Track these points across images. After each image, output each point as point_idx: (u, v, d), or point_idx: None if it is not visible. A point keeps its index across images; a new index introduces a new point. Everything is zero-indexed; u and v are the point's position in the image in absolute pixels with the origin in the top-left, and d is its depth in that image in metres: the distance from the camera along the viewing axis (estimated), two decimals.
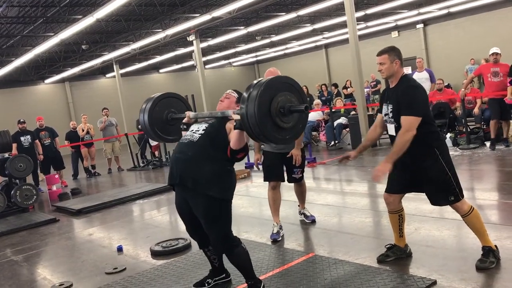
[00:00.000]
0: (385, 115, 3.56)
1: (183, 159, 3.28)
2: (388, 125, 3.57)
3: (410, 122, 3.28)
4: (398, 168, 3.43)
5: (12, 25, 12.49)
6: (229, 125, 3.30)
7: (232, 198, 3.34)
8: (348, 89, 16.84)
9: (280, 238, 4.81)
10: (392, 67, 3.47)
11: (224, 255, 3.53)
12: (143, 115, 3.97)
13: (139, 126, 13.06)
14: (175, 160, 3.34)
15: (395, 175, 3.53)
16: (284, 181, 4.98)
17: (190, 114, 3.72)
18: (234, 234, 3.40)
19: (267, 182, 4.92)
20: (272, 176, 4.87)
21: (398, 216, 3.76)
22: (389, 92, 3.56)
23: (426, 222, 4.65)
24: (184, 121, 3.71)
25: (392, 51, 3.53)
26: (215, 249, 3.39)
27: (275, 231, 4.86)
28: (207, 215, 3.25)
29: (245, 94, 2.94)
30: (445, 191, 3.38)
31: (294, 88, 3.07)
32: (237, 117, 3.06)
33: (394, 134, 3.45)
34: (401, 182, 3.55)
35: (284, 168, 4.95)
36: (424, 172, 3.38)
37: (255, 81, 3.00)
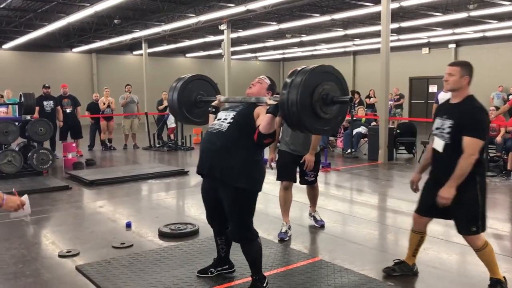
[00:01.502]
0: (437, 128, 3.44)
1: (212, 150, 3.27)
2: (436, 139, 3.44)
3: (476, 145, 3.20)
4: (432, 189, 3.39)
5: None
6: (257, 110, 3.26)
7: (261, 189, 3.33)
8: (371, 99, 16.77)
9: (287, 238, 4.84)
10: (460, 81, 3.38)
11: (234, 247, 3.55)
12: (173, 93, 3.95)
13: (159, 107, 13.17)
14: (204, 150, 3.35)
15: (428, 196, 3.47)
16: (296, 181, 4.99)
17: (221, 97, 3.66)
18: None
19: (279, 182, 4.95)
20: (285, 176, 4.89)
21: (419, 237, 3.72)
22: (449, 107, 3.45)
23: (435, 244, 4.63)
24: (213, 103, 3.66)
25: (466, 66, 3.44)
26: (233, 237, 3.40)
27: (283, 230, 4.89)
28: (233, 205, 3.27)
29: (288, 80, 2.88)
30: (470, 221, 3.30)
31: (339, 79, 3.02)
32: (273, 102, 3.03)
33: (440, 151, 3.38)
34: (432, 204, 3.40)
35: (298, 169, 4.96)
36: (457, 197, 3.26)
37: (299, 68, 2.95)
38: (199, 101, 4.00)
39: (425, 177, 3.64)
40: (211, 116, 3.62)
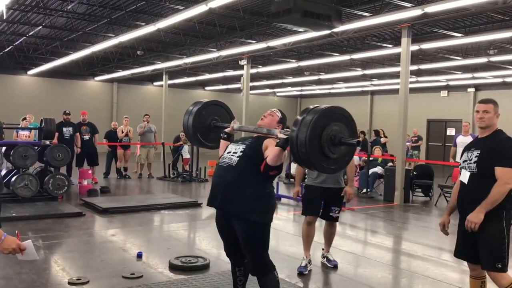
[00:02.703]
0: (464, 161, 3.45)
1: (223, 184, 3.30)
2: (463, 171, 3.44)
3: (510, 174, 3.21)
4: (462, 228, 3.37)
5: (77, 20, 13.03)
6: (266, 143, 3.30)
7: (272, 220, 3.34)
8: (382, 138, 16.81)
9: (306, 272, 4.87)
10: (493, 118, 3.41)
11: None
12: (188, 117, 3.98)
13: (175, 144, 13.29)
14: (215, 184, 3.37)
15: (461, 236, 3.45)
16: (319, 216, 5.05)
17: (234, 125, 3.72)
18: None
19: (304, 216, 5.04)
20: (311, 211, 4.99)
21: (480, 283, 3.52)
22: (477, 141, 3.52)
23: None
24: (226, 130, 3.72)
25: (496, 103, 3.47)
26: (250, 270, 3.37)
27: (303, 264, 4.94)
28: (247, 238, 3.27)
29: (299, 117, 2.92)
30: (496, 256, 3.24)
31: (348, 121, 3.05)
32: (283, 136, 3.08)
33: (465, 182, 3.37)
34: (466, 245, 3.37)
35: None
36: (482, 229, 3.22)
37: (311, 106, 2.99)
38: (213, 126, 4.02)
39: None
40: (223, 142, 3.68)
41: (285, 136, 3.08)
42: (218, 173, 3.40)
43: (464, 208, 3.39)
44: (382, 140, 16.63)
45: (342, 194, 5.00)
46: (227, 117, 4.11)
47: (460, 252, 3.51)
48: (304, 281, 4.71)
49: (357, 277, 4.96)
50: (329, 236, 5.22)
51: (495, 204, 3.20)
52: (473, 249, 3.34)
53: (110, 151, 12.66)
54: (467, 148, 3.52)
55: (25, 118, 11.98)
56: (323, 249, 5.30)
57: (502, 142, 3.33)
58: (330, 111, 2.97)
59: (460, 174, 3.48)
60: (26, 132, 10.86)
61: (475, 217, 3.22)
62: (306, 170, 4.97)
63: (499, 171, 3.22)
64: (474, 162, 3.35)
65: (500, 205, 3.23)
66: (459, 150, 10.24)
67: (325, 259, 5.23)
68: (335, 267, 5.12)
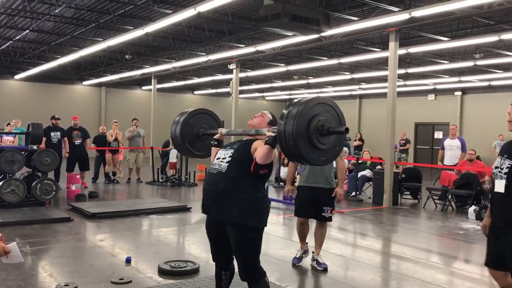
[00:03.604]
0: (496, 167, 3.30)
1: (215, 191, 3.27)
2: (497, 180, 3.27)
3: None
4: (493, 237, 3.27)
5: (65, 24, 12.95)
6: (255, 145, 3.28)
7: (266, 224, 3.31)
8: (355, 141, 17.72)
9: (299, 263, 5.13)
10: None
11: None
12: (176, 127, 3.97)
13: (164, 149, 13.24)
14: (207, 192, 3.35)
15: (491, 246, 3.31)
16: (312, 217, 5.18)
17: (222, 130, 3.72)
18: None
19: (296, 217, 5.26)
20: (302, 213, 5.20)
21: None
22: (508, 146, 3.35)
23: None
24: (215, 137, 3.72)
25: None
26: (241, 275, 3.34)
27: (297, 256, 5.22)
28: (240, 243, 3.24)
29: (284, 111, 2.92)
30: None
31: (334, 110, 3.04)
32: (272, 134, 3.07)
33: (503, 191, 3.20)
34: (497, 255, 3.24)
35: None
36: (510, 238, 3.11)
37: (295, 100, 2.98)
38: (201, 134, 4.01)
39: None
40: (214, 149, 3.66)
41: (273, 134, 3.05)
42: (209, 180, 3.37)
43: (498, 218, 3.26)
44: (355, 143, 17.53)
45: (332, 195, 5.06)
46: (214, 124, 4.11)
47: (490, 261, 3.33)
48: (294, 285, 4.71)
49: (346, 280, 4.98)
50: (319, 237, 5.24)
51: None
52: (502, 255, 3.18)
53: (99, 156, 12.57)
54: (501, 152, 3.36)
55: (9, 123, 11.87)
56: (313, 252, 5.30)
57: None
58: (315, 101, 2.95)
59: (493, 180, 3.33)
60: (10, 138, 10.75)
61: None
62: (297, 170, 5.01)
63: None
64: (505, 174, 3.21)
65: None
66: (447, 153, 10.37)
67: (315, 262, 5.22)
68: (325, 270, 5.11)
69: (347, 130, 2.94)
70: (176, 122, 4.01)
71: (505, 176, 3.19)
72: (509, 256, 3.10)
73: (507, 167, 3.20)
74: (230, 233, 3.26)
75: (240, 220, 3.19)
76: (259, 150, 3.16)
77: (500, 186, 3.23)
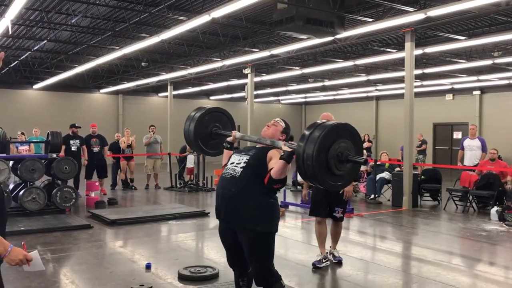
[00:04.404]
0: None
1: (228, 196, 3.29)
2: None
3: None
4: None
5: (81, 34, 13.13)
6: (270, 154, 3.29)
7: (277, 230, 3.33)
8: (364, 143, 17.54)
9: (321, 266, 5.18)
10: None
11: None
12: (190, 123, 3.97)
13: (181, 155, 13.29)
14: (220, 196, 3.36)
15: None
16: (327, 217, 5.32)
17: (236, 134, 3.71)
18: None
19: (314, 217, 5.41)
20: (316, 213, 5.33)
21: None
22: None
23: None
24: (228, 139, 3.71)
25: None
26: (256, 281, 3.35)
27: (318, 259, 5.25)
28: (253, 249, 3.27)
29: (306, 132, 2.92)
30: None
31: (355, 138, 3.04)
32: (288, 149, 3.07)
33: None
34: None
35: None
36: None
37: (318, 121, 3.00)
38: (214, 133, 4.01)
39: None
40: (226, 151, 3.67)
41: (289, 149, 3.07)
42: (222, 185, 3.38)
43: None
44: (365, 144, 17.45)
45: (340, 192, 5.15)
46: (228, 125, 4.10)
47: None
48: None
49: (367, 284, 4.92)
50: (335, 235, 5.50)
51: None
52: None
53: (115, 163, 12.64)
54: None
55: (23, 133, 12.07)
56: (330, 246, 5.51)
57: None
58: (338, 127, 2.97)
59: None
60: (25, 147, 10.93)
61: None
62: None
63: None
64: None
65: None
66: (467, 153, 10.22)
67: (332, 255, 5.44)
68: (339, 262, 5.36)
69: (365, 161, 3.00)
70: (191, 118, 4.00)
71: None
72: None
73: None
74: (243, 238, 3.28)
75: (252, 225, 3.21)
76: (274, 163, 3.17)
77: None
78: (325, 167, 2.89)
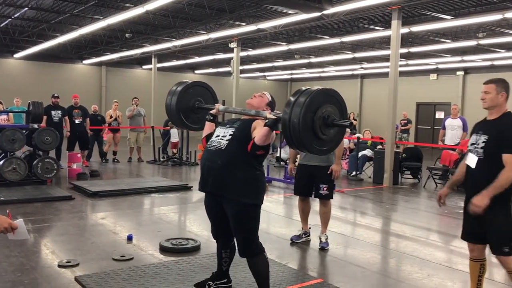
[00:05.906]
0: (472, 144, 3.39)
1: (213, 168, 3.29)
2: (470, 154, 3.39)
3: None
4: (467, 211, 3.32)
5: (64, 2, 12.81)
6: (255, 124, 3.31)
7: (263, 202, 3.37)
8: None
9: (299, 241, 5.26)
10: (497, 98, 3.33)
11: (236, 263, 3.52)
12: (171, 97, 3.94)
13: (165, 128, 13.19)
14: (205, 169, 3.36)
15: (467, 220, 3.40)
16: (311, 196, 5.22)
17: (220, 106, 3.72)
18: None
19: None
20: (300, 191, 5.30)
21: (479, 266, 3.46)
22: (485, 123, 3.43)
23: (440, 270, 4.56)
24: (212, 112, 3.70)
25: (501, 83, 3.36)
26: (240, 251, 3.38)
27: (297, 234, 5.29)
28: (239, 220, 3.29)
29: (291, 99, 2.92)
30: (502, 241, 3.22)
31: (340, 103, 3.06)
32: (272, 116, 3.10)
33: (473, 167, 3.31)
34: (473, 229, 3.36)
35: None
36: (489, 214, 3.18)
37: (303, 88, 3.00)
38: (197, 107, 3.98)
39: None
40: (208, 124, 3.67)
41: (274, 117, 3.09)
42: (208, 157, 3.37)
43: (470, 192, 3.32)
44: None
45: (328, 172, 5.07)
46: (211, 99, 4.07)
47: (466, 234, 3.46)
48: (294, 262, 4.75)
49: (346, 258, 5.01)
50: (322, 214, 5.27)
51: (501, 189, 3.15)
52: (478, 229, 3.31)
53: (92, 135, 12.31)
54: (476, 130, 3.44)
55: (1, 102, 11.83)
56: (311, 226, 5.50)
57: (509, 127, 3.24)
58: (324, 92, 2.98)
59: (467, 156, 3.42)
60: (3, 116, 10.73)
61: (480, 201, 3.15)
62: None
63: (506, 157, 3.16)
64: (481, 148, 3.28)
65: (507, 190, 3.19)
66: (448, 132, 10.35)
67: (319, 239, 5.26)
68: (322, 249, 5.13)
69: (351, 124, 3.00)
70: (173, 92, 3.97)
71: (482, 150, 3.30)
72: (488, 222, 3.22)
73: (483, 142, 3.30)
74: (228, 210, 3.31)
75: (238, 197, 3.23)
76: (258, 130, 3.19)
77: (472, 161, 3.35)
78: (311, 130, 2.90)
